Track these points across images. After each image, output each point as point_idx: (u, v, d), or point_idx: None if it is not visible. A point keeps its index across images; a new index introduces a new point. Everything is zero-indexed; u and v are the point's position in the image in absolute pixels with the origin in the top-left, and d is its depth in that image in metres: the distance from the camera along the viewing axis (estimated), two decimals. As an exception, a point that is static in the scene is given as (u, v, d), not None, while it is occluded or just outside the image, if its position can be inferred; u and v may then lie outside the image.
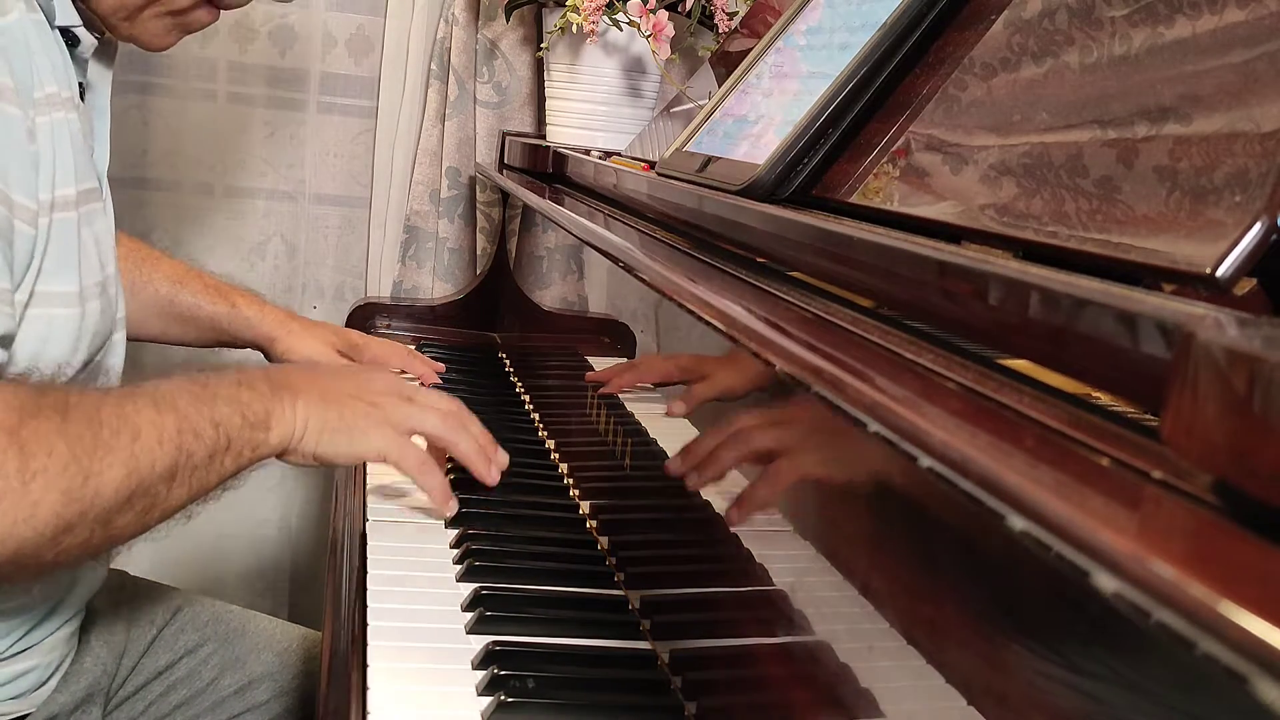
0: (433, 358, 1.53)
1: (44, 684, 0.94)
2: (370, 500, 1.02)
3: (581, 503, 1.06)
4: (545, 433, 1.25)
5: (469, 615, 0.82)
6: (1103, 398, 0.44)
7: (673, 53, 1.46)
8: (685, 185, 0.90)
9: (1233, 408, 0.30)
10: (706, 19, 1.54)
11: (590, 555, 0.95)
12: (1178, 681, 0.32)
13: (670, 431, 0.88)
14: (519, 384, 1.45)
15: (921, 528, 0.49)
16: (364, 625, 0.79)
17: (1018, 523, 0.35)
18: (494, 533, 0.96)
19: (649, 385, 1.00)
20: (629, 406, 1.00)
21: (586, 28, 1.43)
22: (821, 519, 0.60)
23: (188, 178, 1.83)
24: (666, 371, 0.97)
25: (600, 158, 1.34)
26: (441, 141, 1.80)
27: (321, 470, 1.69)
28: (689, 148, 0.97)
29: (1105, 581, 0.31)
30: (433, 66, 1.80)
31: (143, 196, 1.80)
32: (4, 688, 0.90)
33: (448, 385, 1.38)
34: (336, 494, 1.10)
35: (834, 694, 0.55)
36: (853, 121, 0.79)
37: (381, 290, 1.85)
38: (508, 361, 1.56)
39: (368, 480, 1.06)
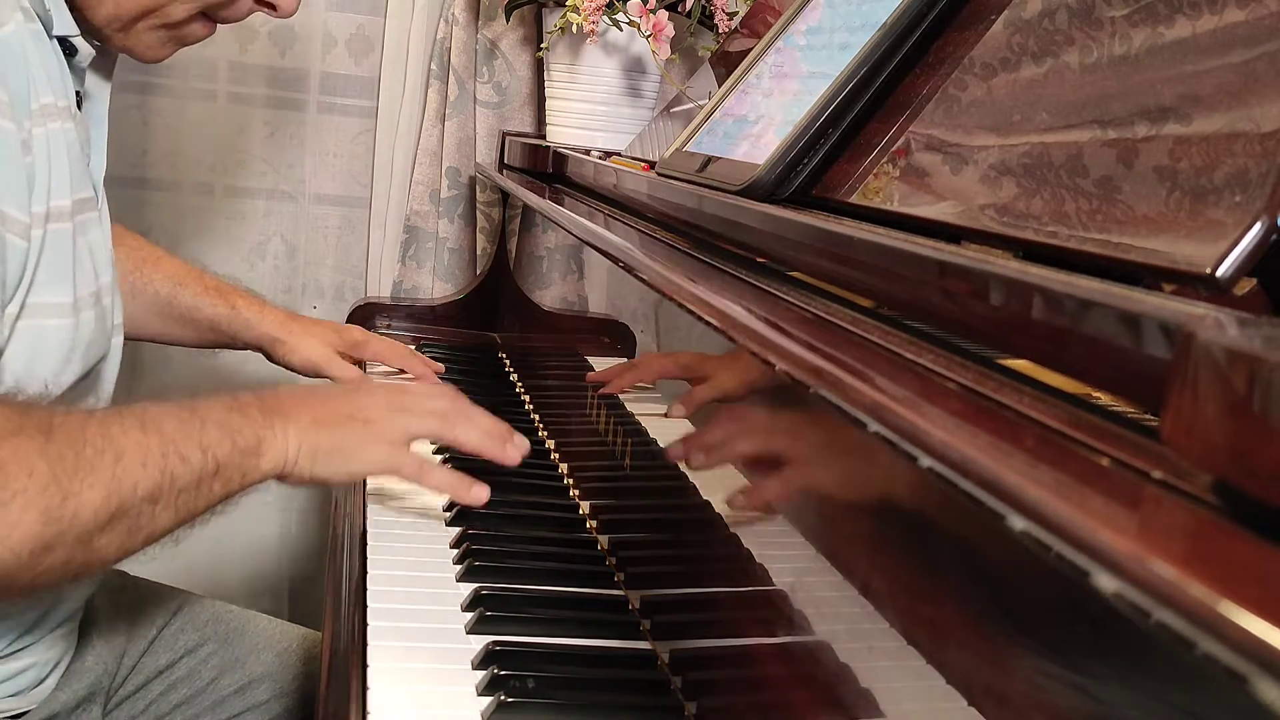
0: (433, 358, 1.53)
1: (42, 682, 0.94)
2: (370, 501, 1.02)
3: (581, 503, 1.06)
4: (545, 433, 1.25)
5: (469, 615, 0.82)
6: (1103, 398, 0.44)
7: (673, 53, 1.46)
8: (685, 185, 0.90)
9: (1233, 408, 0.30)
10: (706, 19, 1.54)
11: (590, 555, 0.95)
12: (1178, 681, 0.32)
13: (670, 432, 0.88)
14: (519, 384, 1.45)
15: (921, 528, 0.49)
16: (364, 625, 0.79)
17: (1018, 523, 0.35)
18: (494, 533, 0.96)
19: (649, 384, 1.00)
20: (629, 406, 1.00)
21: (586, 28, 1.43)
22: (821, 519, 0.60)
23: (188, 178, 1.83)
24: (666, 369, 0.97)
25: (600, 158, 1.34)
26: (441, 141, 1.80)
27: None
28: (689, 148, 0.97)
29: (1105, 581, 0.31)
30: (433, 66, 1.80)
31: (143, 196, 1.80)
32: (2, 685, 0.90)
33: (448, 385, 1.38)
34: (337, 495, 1.10)
35: (834, 694, 0.55)
36: (853, 121, 0.79)
37: (381, 290, 1.85)
38: (508, 361, 1.56)
39: (368, 481, 1.06)
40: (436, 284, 1.81)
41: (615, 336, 1.12)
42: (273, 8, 0.98)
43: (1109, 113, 0.58)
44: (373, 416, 0.89)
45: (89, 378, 0.91)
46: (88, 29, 0.89)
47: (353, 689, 0.73)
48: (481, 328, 1.70)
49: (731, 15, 1.52)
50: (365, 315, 1.70)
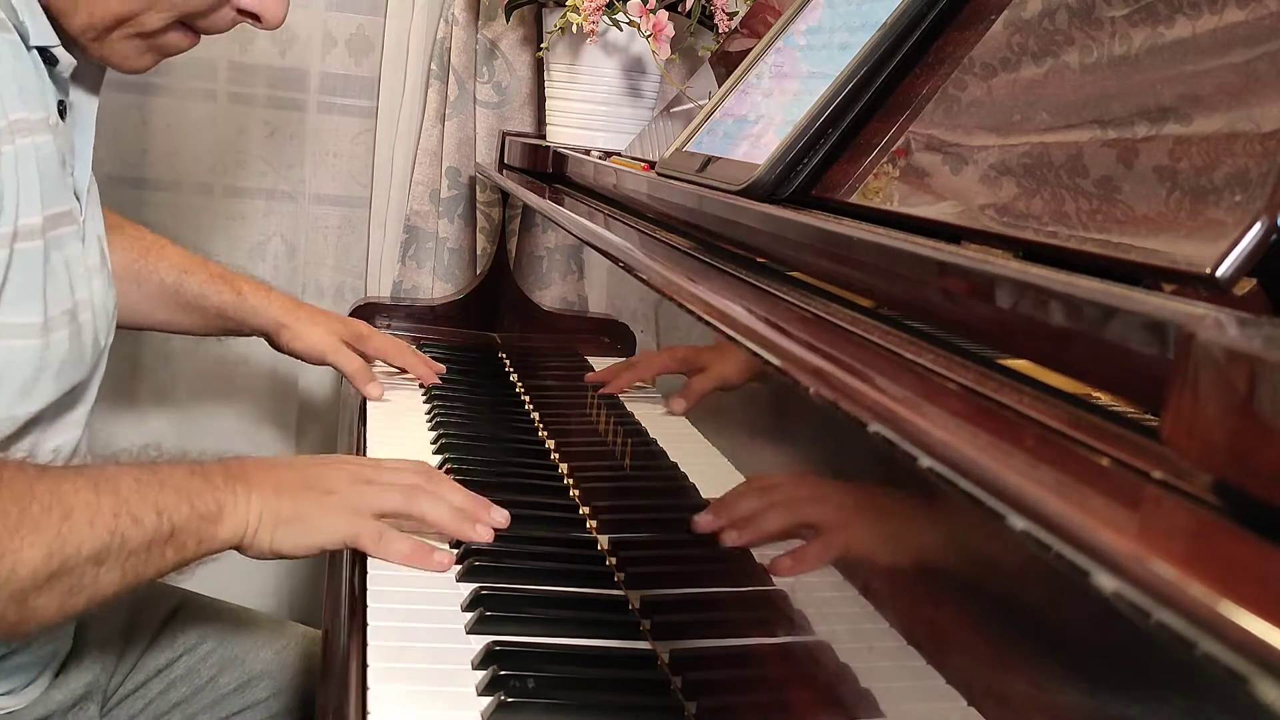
0: (433, 358, 1.53)
1: (35, 681, 0.93)
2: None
3: (581, 503, 1.06)
4: (545, 433, 1.25)
5: (469, 615, 0.82)
6: (1103, 398, 0.44)
7: (673, 53, 1.46)
8: (685, 185, 0.90)
9: (1233, 408, 0.30)
10: (706, 19, 1.54)
11: (590, 555, 0.95)
12: (1178, 682, 0.32)
13: (670, 431, 0.88)
14: (519, 384, 1.45)
15: (921, 528, 0.49)
16: (364, 625, 0.79)
17: (1018, 523, 0.35)
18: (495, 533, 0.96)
19: (648, 382, 1.00)
20: (629, 406, 1.00)
21: (586, 28, 1.43)
22: (820, 520, 0.60)
23: (187, 178, 1.83)
24: (665, 365, 0.97)
25: (600, 158, 1.34)
26: (441, 141, 1.80)
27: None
28: (689, 148, 0.97)
29: (1105, 581, 0.31)
30: (433, 66, 1.80)
31: (142, 196, 1.80)
32: None
33: (448, 385, 1.38)
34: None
35: (834, 694, 0.55)
36: (853, 121, 0.79)
37: (381, 290, 1.85)
38: (508, 361, 1.55)
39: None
40: (436, 284, 1.81)
41: (615, 336, 1.12)
42: (257, 18, 0.95)
43: (1109, 113, 0.58)
44: (335, 487, 0.87)
45: (64, 401, 0.89)
46: (66, 39, 0.87)
47: (352, 689, 0.73)
48: (481, 328, 1.70)
49: (731, 15, 1.52)
50: (365, 315, 1.70)
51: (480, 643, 0.77)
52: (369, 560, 0.88)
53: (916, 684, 0.47)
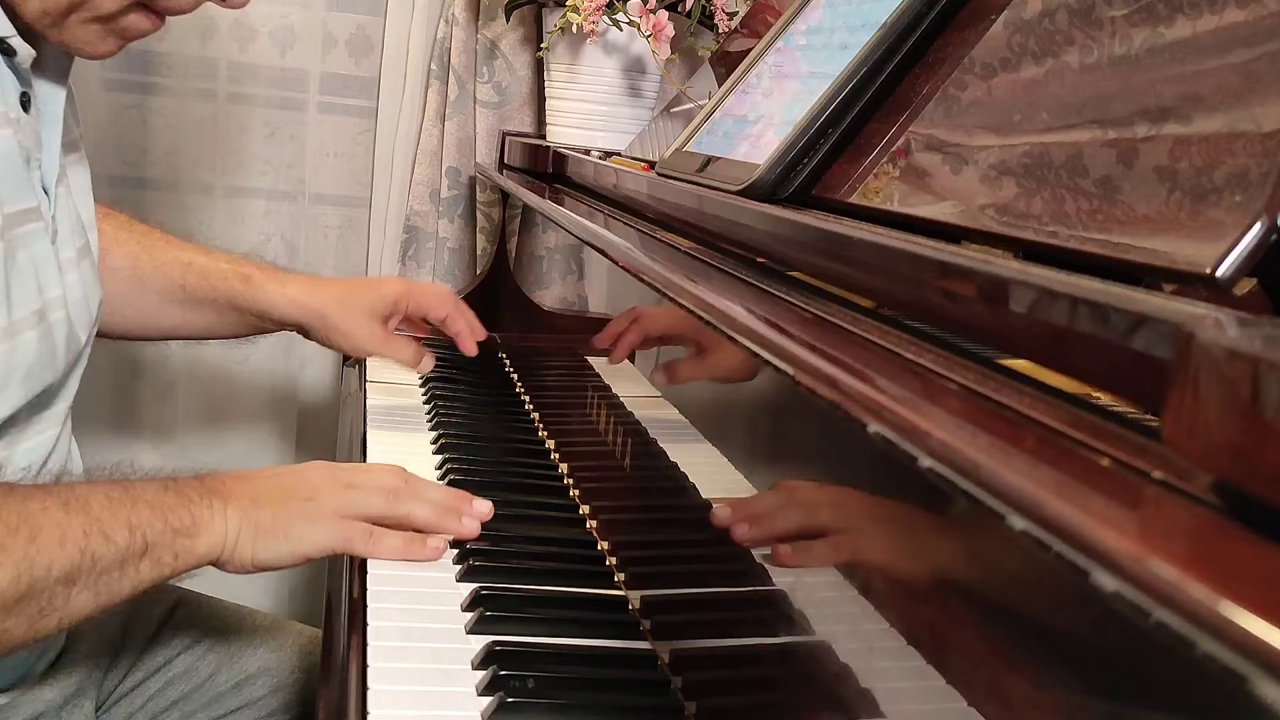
0: (433, 357, 1.53)
1: (26, 677, 0.93)
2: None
3: (581, 503, 1.06)
4: (545, 433, 1.25)
5: (469, 615, 0.82)
6: (1103, 398, 0.44)
7: (673, 53, 1.46)
8: (685, 185, 0.90)
9: (1233, 408, 0.30)
10: (706, 19, 1.54)
11: (590, 555, 0.95)
12: (1178, 682, 0.32)
13: (670, 431, 0.88)
14: (519, 384, 1.45)
15: (921, 528, 0.49)
16: (364, 625, 0.79)
17: (1018, 523, 0.35)
18: (494, 533, 0.96)
19: (653, 343, 0.98)
20: (629, 406, 1.00)
21: (586, 28, 1.43)
22: (820, 520, 0.60)
23: (188, 178, 1.83)
24: (668, 328, 0.93)
25: (600, 158, 1.34)
26: (441, 141, 1.80)
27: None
28: (689, 148, 0.97)
29: (1105, 581, 0.31)
30: (433, 66, 1.80)
31: (142, 196, 1.80)
32: None
33: (448, 385, 1.38)
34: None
35: (834, 694, 0.55)
36: (853, 121, 0.79)
37: (381, 290, 1.85)
38: (508, 361, 1.55)
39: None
40: (437, 284, 1.81)
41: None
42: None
43: (1109, 113, 0.58)
44: (316, 494, 0.86)
45: (36, 403, 0.86)
46: (22, 27, 0.84)
47: (352, 688, 0.73)
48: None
49: (731, 15, 1.52)
50: (365, 315, 1.70)
51: (480, 643, 0.77)
52: (368, 560, 0.88)
53: (916, 684, 0.47)
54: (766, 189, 0.79)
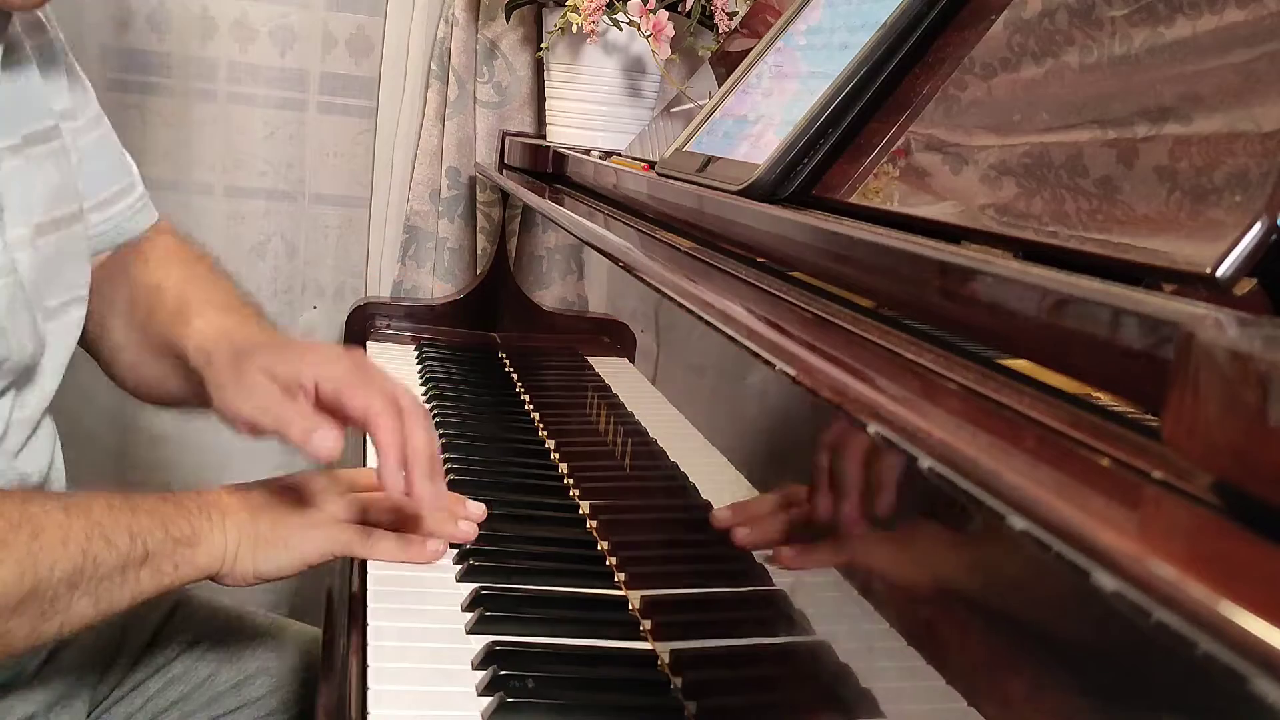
0: (432, 357, 1.53)
1: (19, 676, 0.92)
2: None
3: (581, 503, 1.06)
4: (545, 433, 1.25)
5: (469, 615, 0.82)
6: (1103, 398, 0.44)
7: (673, 53, 1.46)
8: (685, 185, 0.90)
9: (1233, 408, 0.30)
10: (706, 19, 1.54)
11: (590, 555, 0.95)
12: (1178, 681, 0.32)
13: (671, 431, 0.88)
14: (519, 384, 1.45)
15: (921, 529, 0.49)
16: (364, 625, 0.79)
17: (1018, 523, 0.35)
18: (494, 533, 0.96)
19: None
20: (629, 406, 1.00)
21: (586, 28, 1.43)
22: (820, 520, 0.60)
23: (188, 178, 1.83)
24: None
25: (600, 158, 1.34)
26: (441, 141, 1.80)
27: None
28: (689, 148, 0.97)
29: (1105, 581, 0.31)
30: (433, 66, 1.80)
31: (142, 196, 1.80)
32: None
33: (448, 385, 1.38)
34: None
35: (834, 694, 0.55)
36: (853, 121, 0.79)
37: (381, 290, 1.85)
38: (508, 361, 1.55)
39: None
40: (436, 284, 1.81)
41: (615, 336, 1.12)
42: None
43: (1109, 113, 0.58)
44: (312, 501, 0.85)
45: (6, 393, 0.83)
46: None
47: (352, 689, 0.73)
48: (481, 328, 1.70)
49: (731, 15, 1.52)
50: (365, 315, 1.70)
51: (480, 643, 0.77)
52: (368, 561, 0.88)
53: (916, 684, 0.47)
54: (766, 189, 0.79)
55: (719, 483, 0.75)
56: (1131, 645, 0.34)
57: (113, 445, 1.83)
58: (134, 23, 1.75)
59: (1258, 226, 0.43)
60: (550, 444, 1.21)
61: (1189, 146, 0.50)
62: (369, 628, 0.78)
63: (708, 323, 0.65)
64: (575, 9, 1.43)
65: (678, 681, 0.75)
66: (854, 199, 0.74)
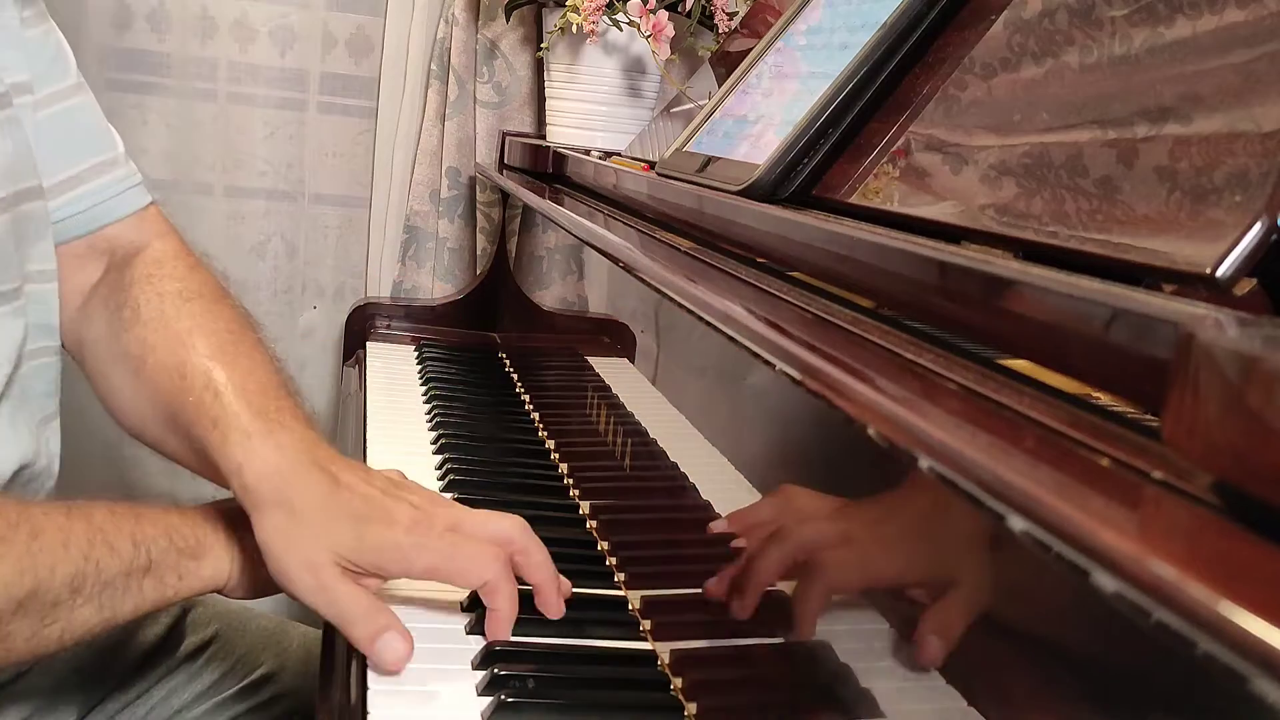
0: (432, 358, 1.53)
1: (5, 673, 0.92)
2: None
3: (581, 503, 1.06)
4: (545, 433, 1.25)
5: (469, 615, 0.82)
6: (1103, 398, 0.44)
7: (673, 53, 1.46)
8: (685, 185, 0.90)
9: (1233, 408, 0.30)
10: (706, 19, 1.54)
11: (590, 555, 0.95)
12: (1178, 681, 0.32)
13: (670, 432, 0.88)
14: (519, 384, 1.45)
15: (921, 528, 0.49)
16: (364, 625, 0.79)
17: (1018, 523, 0.35)
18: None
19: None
20: (629, 407, 1.00)
21: (586, 28, 1.43)
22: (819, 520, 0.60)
23: (188, 178, 1.83)
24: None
25: (600, 158, 1.34)
26: (441, 141, 1.80)
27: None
28: (689, 148, 0.97)
29: (1105, 581, 0.31)
30: (433, 66, 1.80)
31: (142, 196, 1.80)
32: None
33: (448, 385, 1.38)
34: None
35: (834, 694, 0.55)
36: (853, 121, 0.79)
37: (381, 290, 1.85)
38: (508, 361, 1.55)
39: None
40: (436, 284, 1.81)
41: (615, 336, 1.12)
42: None
43: (1109, 113, 0.58)
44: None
45: None
46: None
47: (352, 689, 0.73)
48: (481, 328, 1.70)
49: (731, 15, 1.52)
50: (365, 315, 1.70)
51: (480, 643, 0.77)
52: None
53: (916, 684, 0.47)
54: (766, 189, 0.79)
55: (719, 483, 0.75)
56: (1131, 645, 0.34)
57: (113, 442, 1.83)
58: (134, 23, 1.75)
59: (1258, 226, 0.43)
60: (550, 444, 1.21)
61: (1189, 146, 0.50)
62: (369, 628, 0.78)
63: (708, 323, 0.65)
64: (575, 9, 1.43)
65: (678, 682, 0.75)
66: (854, 199, 0.74)
